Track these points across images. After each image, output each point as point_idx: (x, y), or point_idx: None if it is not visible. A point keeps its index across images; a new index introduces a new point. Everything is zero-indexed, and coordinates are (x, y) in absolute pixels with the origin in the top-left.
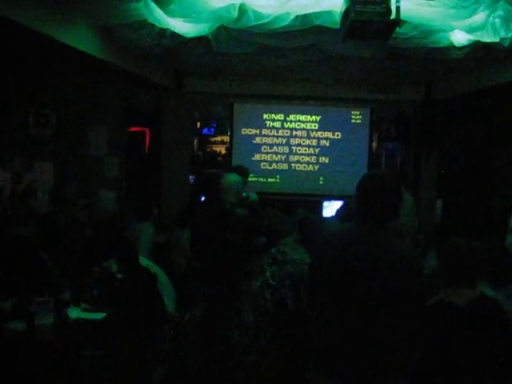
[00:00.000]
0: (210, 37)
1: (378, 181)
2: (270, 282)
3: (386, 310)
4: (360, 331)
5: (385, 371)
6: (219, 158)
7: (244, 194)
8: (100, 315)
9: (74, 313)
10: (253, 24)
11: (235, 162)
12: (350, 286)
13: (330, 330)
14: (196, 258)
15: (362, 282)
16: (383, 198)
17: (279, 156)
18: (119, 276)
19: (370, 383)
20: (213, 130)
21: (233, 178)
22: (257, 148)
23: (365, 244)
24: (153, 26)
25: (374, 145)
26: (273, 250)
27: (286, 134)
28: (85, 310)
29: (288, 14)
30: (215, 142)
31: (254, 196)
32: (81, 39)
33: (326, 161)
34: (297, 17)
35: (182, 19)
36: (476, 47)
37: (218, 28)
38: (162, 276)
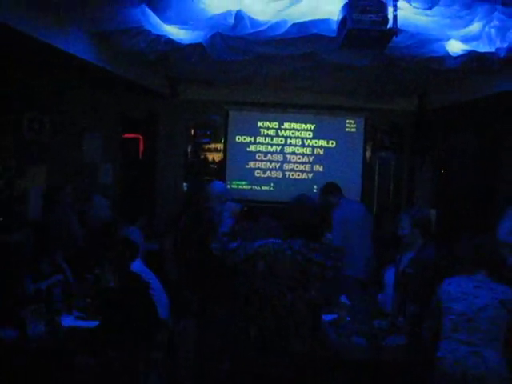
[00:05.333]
0: (205, 44)
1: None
2: None
3: None
4: None
5: None
6: (213, 166)
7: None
8: (93, 323)
9: (67, 320)
10: (249, 31)
11: (229, 169)
12: None
13: None
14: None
15: None
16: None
17: (273, 164)
18: (112, 284)
19: None
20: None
21: (218, 185)
22: (251, 156)
23: None
24: (148, 32)
25: (368, 154)
26: None
27: (280, 142)
28: (78, 317)
29: (285, 21)
30: (209, 150)
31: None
32: (76, 45)
33: (321, 169)
34: (293, 25)
35: (178, 26)
36: (471, 57)
37: (214, 35)
38: (155, 283)
